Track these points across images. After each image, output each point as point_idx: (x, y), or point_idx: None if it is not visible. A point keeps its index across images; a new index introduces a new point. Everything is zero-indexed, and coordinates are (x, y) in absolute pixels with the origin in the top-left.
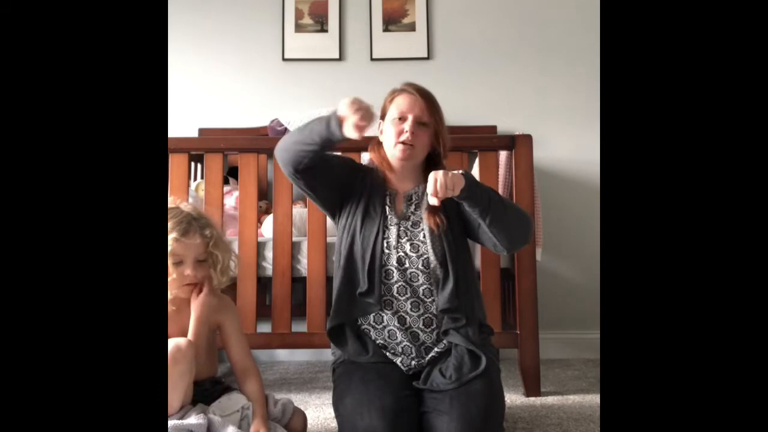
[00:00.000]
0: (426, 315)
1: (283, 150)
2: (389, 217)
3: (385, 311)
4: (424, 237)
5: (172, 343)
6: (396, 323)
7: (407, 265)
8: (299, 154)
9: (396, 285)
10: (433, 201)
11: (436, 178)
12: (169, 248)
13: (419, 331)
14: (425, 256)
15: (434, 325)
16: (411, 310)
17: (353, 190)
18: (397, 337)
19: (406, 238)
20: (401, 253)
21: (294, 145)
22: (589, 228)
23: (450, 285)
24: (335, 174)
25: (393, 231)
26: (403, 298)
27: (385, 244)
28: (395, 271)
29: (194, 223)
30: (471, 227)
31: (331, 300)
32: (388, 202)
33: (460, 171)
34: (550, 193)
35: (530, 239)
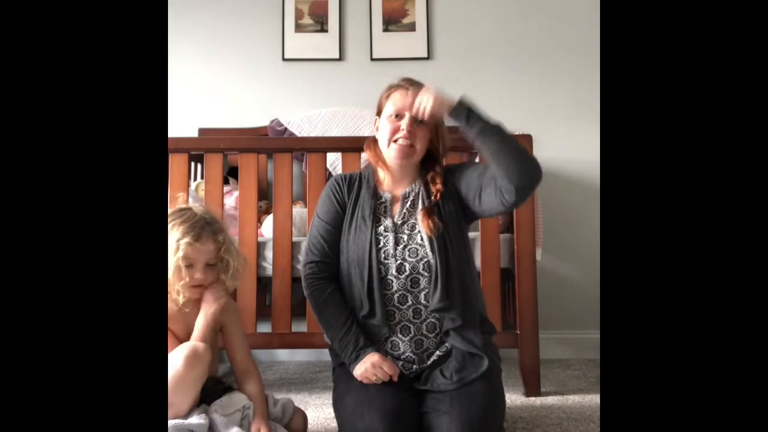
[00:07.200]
0: (428, 320)
1: (313, 310)
2: (384, 224)
3: (389, 324)
4: (422, 240)
5: (190, 346)
6: (399, 334)
7: (408, 271)
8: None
9: (396, 294)
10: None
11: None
12: (182, 252)
13: (423, 338)
14: (425, 259)
15: (437, 329)
16: (413, 317)
17: (345, 214)
18: (399, 348)
19: (404, 244)
20: (400, 261)
21: (319, 323)
22: (588, 228)
23: (440, 285)
24: (338, 235)
25: (390, 239)
26: (404, 306)
27: (383, 255)
28: (395, 280)
29: (207, 228)
30: (473, 194)
31: None
32: (382, 210)
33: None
34: (550, 193)
35: (538, 181)
